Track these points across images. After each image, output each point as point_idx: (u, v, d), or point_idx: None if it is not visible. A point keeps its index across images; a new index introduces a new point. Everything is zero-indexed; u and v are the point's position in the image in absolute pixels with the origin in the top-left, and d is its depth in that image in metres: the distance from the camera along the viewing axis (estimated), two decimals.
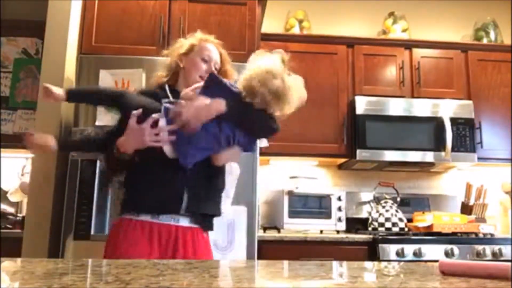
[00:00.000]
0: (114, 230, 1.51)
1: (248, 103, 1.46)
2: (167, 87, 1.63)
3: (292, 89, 1.48)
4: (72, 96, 1.63)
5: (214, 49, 1.67)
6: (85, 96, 1.71)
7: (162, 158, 1.45)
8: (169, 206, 1.47)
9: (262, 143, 2.48)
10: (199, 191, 1.50)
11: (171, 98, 1.55)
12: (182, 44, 1.69)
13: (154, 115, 1.45)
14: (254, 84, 1.45)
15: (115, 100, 1.60)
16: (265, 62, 1.51)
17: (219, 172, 1.59)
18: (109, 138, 1.57)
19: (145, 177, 1.49)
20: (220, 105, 1.43)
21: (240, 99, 1.46)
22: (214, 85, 1.49)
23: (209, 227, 1.59)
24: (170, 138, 1.43)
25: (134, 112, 1.46)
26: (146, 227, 1.46)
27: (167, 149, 1.44)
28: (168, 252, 1.46)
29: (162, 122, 1.44)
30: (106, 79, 2.33)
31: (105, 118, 2.29)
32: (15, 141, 2.78)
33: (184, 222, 1.50)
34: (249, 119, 1.47)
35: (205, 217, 1.55)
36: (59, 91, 1.57)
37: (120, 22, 2.56)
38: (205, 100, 1.43)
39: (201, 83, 1.53)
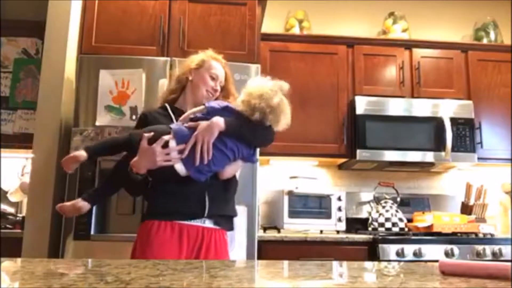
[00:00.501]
0: (143, 231, 1.58)
1: (245, 117, 1.57)
2: (168, 108, 1.75)
3: (287, 107, 1.61)
4: (93, 153, 1.68)
5: (221, 68, 1.80)
6: (103, 151, 1.76)
7: (176, 174, 1.54)
8: (194, 211, 1.58)
9: None
10: (218, 195, 1.62)
11: (174, 118, 1.69)
12: (193, 59, 1.81)
13: (165, 137, 1.53)
14: (254, 97, 1.56)
15: (128, 143, 1.64)
16: (264, 82, 1.63)
17: (235, 178, 1.72)
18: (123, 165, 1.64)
19: (168, 187, 1.58)
20: (219, 123, 1.54)
21: (238, 115, 1.58)
22: (213, 113, 1.60)
23: (230, 227, 1.71)
24: (180, 157, 1.52)
25: (146, 134, 1.55)
26: (176, 227, 1.56)
27: (179, 168, 1.53)
28: (194, 251, 1.56)
29: (172, 143, 1.53)
30: (106, 79, 2.34)
31: (105, 118, 2.29)
32: (15, 141, 2.79)
33: (209, 224, 1.61)
34: (248, 132, 1.58)
35: (225, 218, 1.66)
36: (80, 152, 1.64)
37: (120, 22, 2.56)
38: (204, 124, 1.55)
39: (199, 108, 1.64)
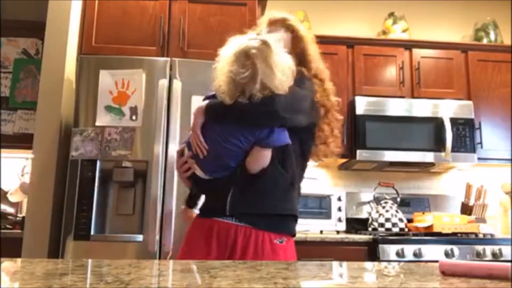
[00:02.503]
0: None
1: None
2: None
3: (270, 66, 1.28)
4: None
5: (280, 33, 1.50)
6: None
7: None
8: (216, 208, 1.39)
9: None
10: (245, 190, 1.36)
11: None
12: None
13: (180, 147, 1.50)
14: (221, 84, 1.32)
15: None
16: (231, 48, 1.33)
17: (277, 167, 1.37)
18: None
19: (201, 186, 1.48)
20: (200, 109, 1.38)
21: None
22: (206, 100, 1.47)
23: (276, 228, 1.38)
24: (192, 164, 1.40)
25: (177, 149, 1.53)
26: (207, 224, 1.40)
27: (199, 173, 1.42)
28: (227, 250, 1.35)
29: (186, 150, 1.45)
30: (106, 79, 2.33)
31: (105, 118, 2.29)
32: (15, 141, 2.79)
33: (244, 223, 1.36)
34: (230, 110, 1.31)
35: (264, 217, 1.37)
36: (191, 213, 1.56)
37: (120, 22, 2.56)
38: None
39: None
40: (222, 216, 1.37)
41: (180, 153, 1.48)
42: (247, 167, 1.34)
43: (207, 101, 1.39)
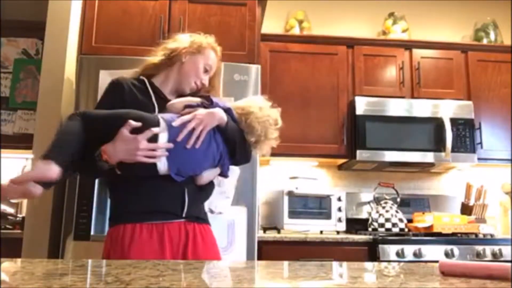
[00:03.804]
0: (114, 237, 1.37)
1: (238, 126, 1.50)
2: (147, 83, 1.56)
3: (274, 142, 1.55)
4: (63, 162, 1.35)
5: (215, 61, 1.65)
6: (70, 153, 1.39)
7: (151, 171, 1.35)
8: (173, 211, 1.41)
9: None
10: (196, 195, 1.48)
11: (153, 98, 1.50)
12: (192, 40, 1.62)
13: (154, 129, 1.31)
14: (255, 119, 1.49)
15: (105, 127, 1.35)
16: (268, 106, 1.56)
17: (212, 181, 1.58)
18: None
19: (144, 184, 1.39)
20: (222, 115, 1.43)
21: (235, 122, 1.50)
22: (212, 107, 1.46)
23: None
24: (166, 154, 1.33)
25: (133, 122, 1.30)
26: (154, 229, 1.37)
27: (161, 166, 1.33)
28: (179, 251, 1.39)
29: (163, 138, 1.32)
30: (106, 80, 2.32)
31: None
32: (15, 141, 2.79)
33: (188, 219, 1.46)
34: (242, 142, 1.49)
35: (199, 220, 1.50)
36: (48, 168, 1.32)
37: (120, 22, 2.56)
38: (204, 110, 1.42)
39: (192, 98, 1.49)
40: (175, 218, 1.42)
41: (133, 131, 1.30)
42: (201, 178, 1.46)
43: (224, 113, 1.44)
